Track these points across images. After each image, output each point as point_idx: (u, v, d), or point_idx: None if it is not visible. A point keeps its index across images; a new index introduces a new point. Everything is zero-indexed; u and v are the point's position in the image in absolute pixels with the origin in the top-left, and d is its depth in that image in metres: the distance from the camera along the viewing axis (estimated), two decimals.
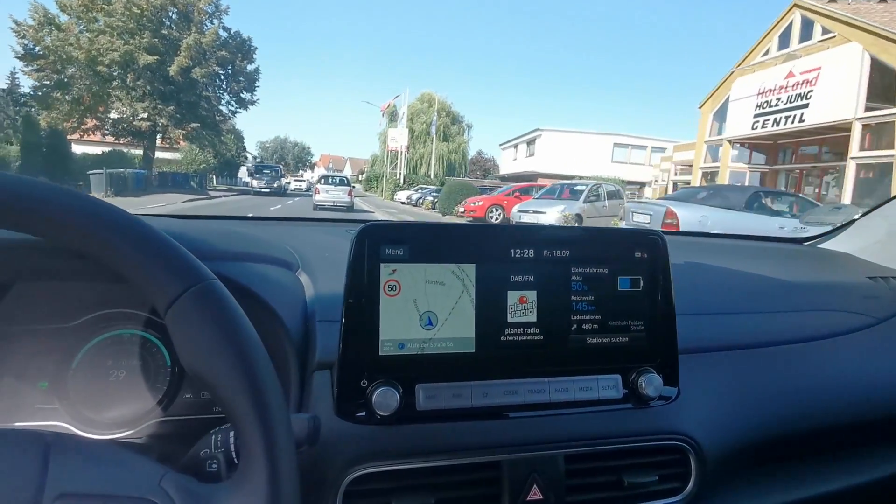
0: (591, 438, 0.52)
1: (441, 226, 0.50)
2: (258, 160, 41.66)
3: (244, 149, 40.54)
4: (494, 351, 0.50)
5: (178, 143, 24.23)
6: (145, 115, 21.01)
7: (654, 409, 0.54)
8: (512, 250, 0.50)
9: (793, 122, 11.02)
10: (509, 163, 32.68)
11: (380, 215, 12.69)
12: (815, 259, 1.10)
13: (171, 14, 21.30)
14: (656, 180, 21.46)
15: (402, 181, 27.09)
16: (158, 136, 23.00)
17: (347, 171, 56.25)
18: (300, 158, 60.32)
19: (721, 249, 1.18)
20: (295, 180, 34.65)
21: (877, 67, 9.46)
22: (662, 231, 0.58)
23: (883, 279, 0.91)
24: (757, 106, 11.98)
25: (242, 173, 35.29)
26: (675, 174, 18.98)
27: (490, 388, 0.49)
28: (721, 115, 13.68)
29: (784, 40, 11.89)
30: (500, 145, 34.79)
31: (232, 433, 0.35)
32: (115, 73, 19.86)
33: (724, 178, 13.03)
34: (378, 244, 0.47)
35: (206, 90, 22.44)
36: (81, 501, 0.28)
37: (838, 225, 1.16)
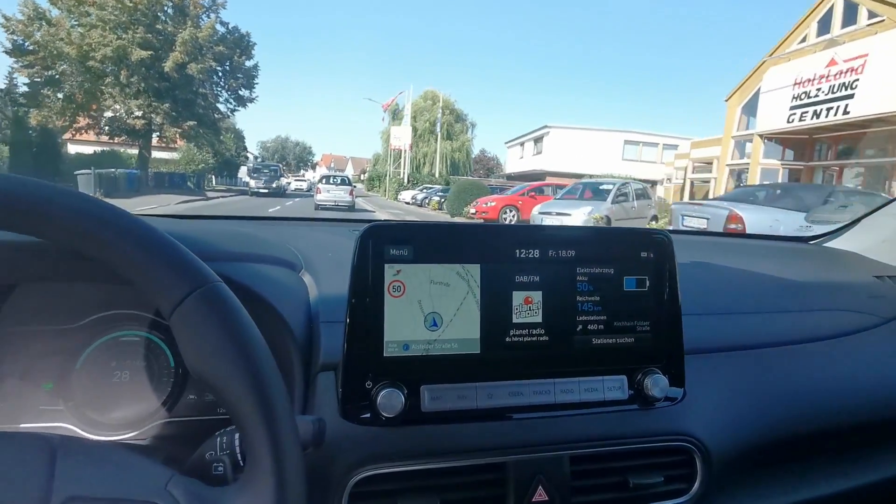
0: (597, 439, 0.52)
1: (445, 226, 0.50)
2: (259, 160, 40.73)
3: (245, 148, 39.89)
4: (499, 352, 0.49)
5: (176, 142, 23.41)
6: (140, 113, 20.22)
7: (660, 410, 0.54)
8: (517, 250, 0.50)
9: (835, 114, 10.11)
10: (515, 161, 31.88)
11: (382, 216, 11.92)
12: (821, 258, 1.09)
13: (166, 8, 20.48)
14: (669, 179, 20.53)
15: (405, 180, 26.32)
16: (154, 135, 22.20)
17: (349, 171, 55.84)
18: (301, 158, 59.87)
19: (726, 249, 1.17)
20: (296, 180, 34.02)
21: None
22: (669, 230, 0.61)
23: (890, 278, 0.91)
24: (793, 97, 11.07)
25: (243, 173, 34.48)
26: (693, 172, 18.05)
27: (495, 390, 0.49)
28: (751, 108, 12.77)
29: (824, 26, 11.00)
30: (506, 143, 34.05)
31: (237, 435, 0.35)
32: (107, 70, 19.07)
33: (754, 176, 12.14)
34: (382, 245, 0.47)
35: (202, 87, 21.62)
36: None
37: (844, 223, 1.15)
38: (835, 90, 10.18)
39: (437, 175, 27.91)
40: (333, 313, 0.52)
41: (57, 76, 19.01)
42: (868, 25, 9.87)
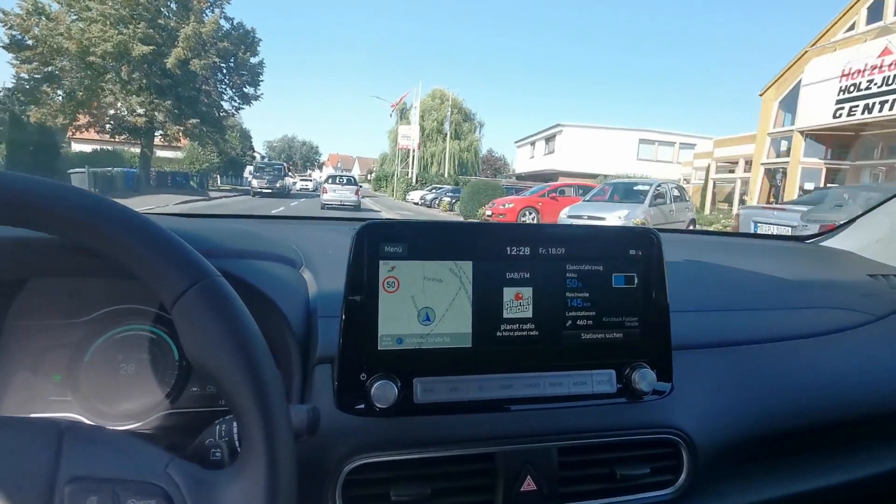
0: (585, 432, 0.53)
1: (439, 224, 0.51)
2: (265, 159, 40.11)
3: (251, 148, 39.40)
4: (490, 346, 0.50)
5: (179, 140, 22.78)
6: (141, 110, 19.60)
7: (648, 403, 0.55)
8: (508, 248, 0.51)
9: (891, 109, 9.21)
10: (525, 161, 31.07)
11: (387, 216, 11.14)
12: (816, 257, 1.10)
13: (168, 2, 19.84)
14: (687, 179, 19.55)
15: (414, 180, 25.58)
16: (157, 134, 21.58)
17: (356, 171, 55.44)
18: (308, 158, 59.54)
19: (721, 247, 1.17)
20: (301, 179, 33.25)
21: None
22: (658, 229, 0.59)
23: (884, 277, 0.91)
24: (840, 90, 10.16)
25: (248, 173, 33.79)
26: (716, 171, 17.12)
27: (486, 382, 0.50)
28: (789, 102, 11.84)
29: (875, 12, 10.09)
30: (516, 143, 33.28)
31: (235, 423, 0.36)
32: (108, 66, 18.46)
33: (793, 177, 11.24)
34: (377, 242, 0.48)
35: (206, 84, 20.98)
36: (92, 485, 0.29)
37: (840, 223, 1.15)
38: (889, 81, 9.26)
39: (445, 175, 27.18)
40: (331, 308, 0.53)
41: (56, 72, 18.43)
42: None
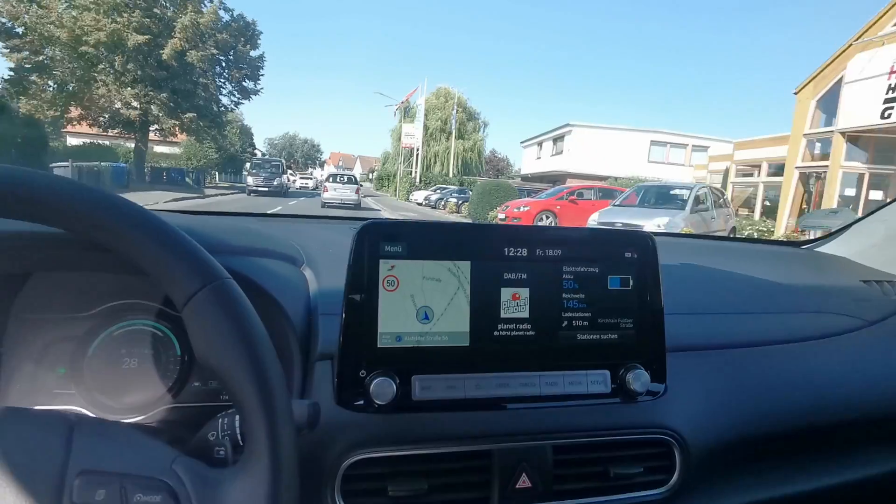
0: (579, 431, 0.53)
1: (438, 224, 0.52)
2: (265, 156, 39.20)
3: (252, 145, 38.59)
4: (488, 345, 0.51)
5: (176, 135, 21.88)
6: (136, 103, 18.76)
7: (642, 404, 0.55)
8: (506, 249, 0.52)
9: None
10: (532, 162, 30.26)
11: (388, 216, 10.30)
12: (811, 262, 1.10)
13: None
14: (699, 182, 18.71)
15: (418, 180, 24.77)
16: (152, 128, 20.73)
17: (358, 170, 54.90)
18: (309, 156, 58.95)
19: (717, 251, 1.18)
20: (301, 178, 32.43)
21: None
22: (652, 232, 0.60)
23: (877, 283, 0.91)
24: (890, 88, 9.30)
25: (245, 170, 32.92)
26: (736, 175, 16.28)
27: (483, 381, 0.51)
28: (829, 102, 10.93)
29: None
30: (522, 143, 32.48)
31: (237, 418, 0.37)
32: (101, 56, 17.64)
33: (834, 180, 10.36)
34: (378, 241, 0.49)
35: (203, 76, 20.09)
36: (100, 478, 0.30)
37: (836, 229, 1.15)
38: None
39: (450, 175, 26.38)
40: (331, 306, 0.53)
41: (47, 62, 17.62)
42: None
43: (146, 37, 17.61)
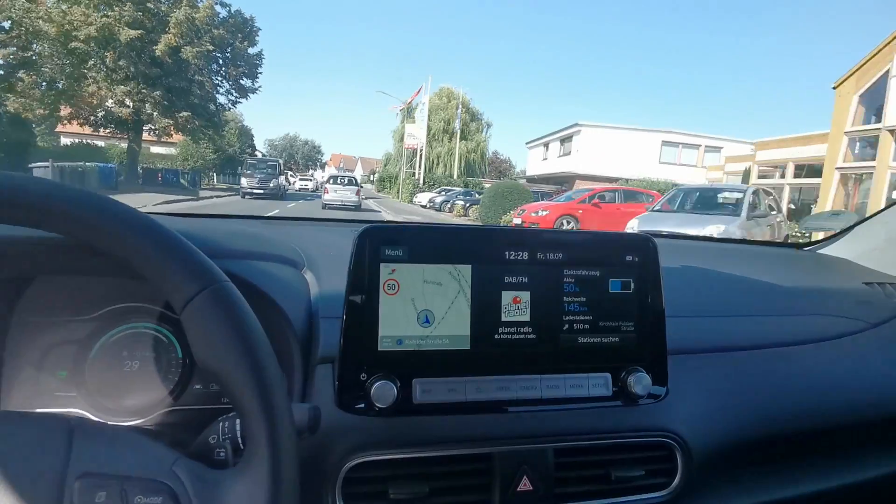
0: (581, 434, 0.53)
1: (439, 228, 0.52)
2: (265, 156, 38.28)
3: (251, 146, 37.78)
4: (488, 348, 0.51)
5: (171, 135, 21.04)
6: (129, 101, 17.95)
7: (643, 407, 0.55)
8: (507, 252, 0.52)
9: None
10: (538, 163, 29.44)
11: (392, 219, 9.48)
12: (812, 264, 1.10)
13: None
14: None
15: (421, 181, 23.94)
16: (146, 128, 19.91)
17: (359, 172, 54.35)
18: (310, 157, 58.37)
19: (718, 253, 1.17)
20: (301, 179, 31.58)
21: None
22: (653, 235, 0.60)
23: (879, 285, 0.91)
24: None
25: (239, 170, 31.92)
26: (758, 177, 15.40)
27: (484, 384, 0.51)
28: (874, 96, 10.08)
29: None
30: (527, 144, 31.69)
31: (238, 421, 0.37)
32: (92, 52, 16.84)
33: (881, 182, 9.48)
34: (378, 245, 0.49)
35: (199, 74, 19.23)
36: (101, 481, 0.30)
37: (838, 231, 1.15)
38: None
39: (454, 176, 25.57)
40: (332, 309, 0.53)
41: (35, 58, 16.83)
42: None
43: (139, 32, 16.81)
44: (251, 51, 21.47)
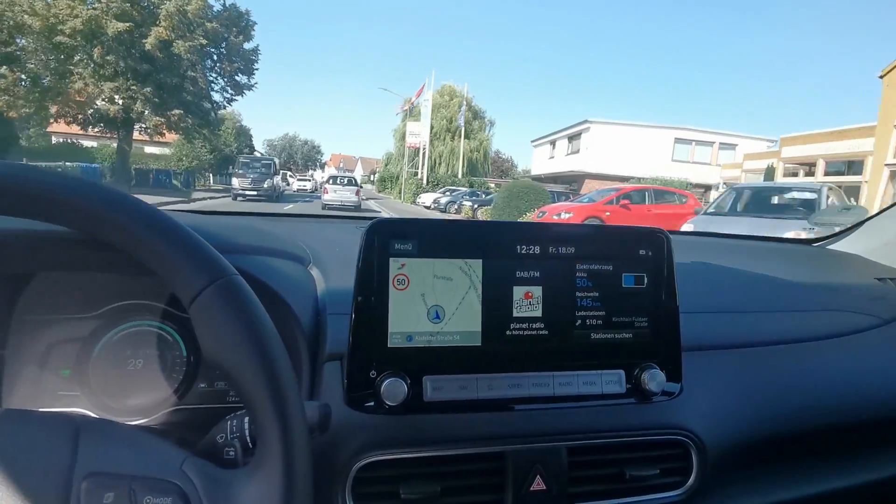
0: (594, 432, 0.53)
1: (449, 222, 0.51)
2: (260, 155, 37.31)
3: (249, 146, 36.87)
4: (500, 345, 0.50)
5: (163, 134, 20.12)
6: (118, 98, 17.03)
7: (657, 404, 0.54)
8: (518, 246, 0.51)
9: None
10: (543, 161, 28.52)
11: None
12: (824, 260, 1.09)
13: None
14: (728, 184, 16.80)
15: (425, 181, 23.02)
16: (137, 126, 19.00)
17: (359, 172, 53.62)
18: (310, 157, 57.59)
19: (730, 249, 1.17)
20: (299, 179, 30.56)
21: None
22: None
23: (891, 280, 0.90)
24: None
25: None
26: (784, 175, 14.47)
27: (495, 381, 0.50)
28: None
29: None
30: (533, 142, 30.80)
31: (247, 419, 0.36)
32: (78, 46, 15.93)
33: None
34: (387, 239, 0.48)
35: (192, 69, 18.31)
36: (108, 481, 0.29)
37: (848, 226, 1.14)
38: None
39: (459, 176, 24.65)
40: (339, 305, 0.53)
41: (18, 53, 15.94)
42: None
43: (127, 24, 15.88)
44: (247, 46, 20.54)
